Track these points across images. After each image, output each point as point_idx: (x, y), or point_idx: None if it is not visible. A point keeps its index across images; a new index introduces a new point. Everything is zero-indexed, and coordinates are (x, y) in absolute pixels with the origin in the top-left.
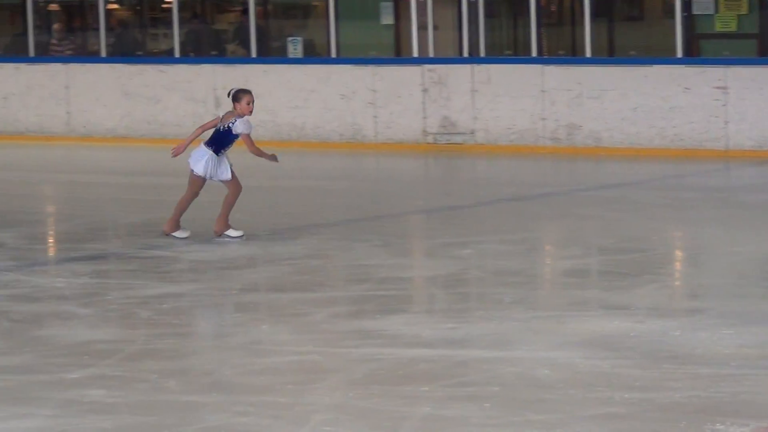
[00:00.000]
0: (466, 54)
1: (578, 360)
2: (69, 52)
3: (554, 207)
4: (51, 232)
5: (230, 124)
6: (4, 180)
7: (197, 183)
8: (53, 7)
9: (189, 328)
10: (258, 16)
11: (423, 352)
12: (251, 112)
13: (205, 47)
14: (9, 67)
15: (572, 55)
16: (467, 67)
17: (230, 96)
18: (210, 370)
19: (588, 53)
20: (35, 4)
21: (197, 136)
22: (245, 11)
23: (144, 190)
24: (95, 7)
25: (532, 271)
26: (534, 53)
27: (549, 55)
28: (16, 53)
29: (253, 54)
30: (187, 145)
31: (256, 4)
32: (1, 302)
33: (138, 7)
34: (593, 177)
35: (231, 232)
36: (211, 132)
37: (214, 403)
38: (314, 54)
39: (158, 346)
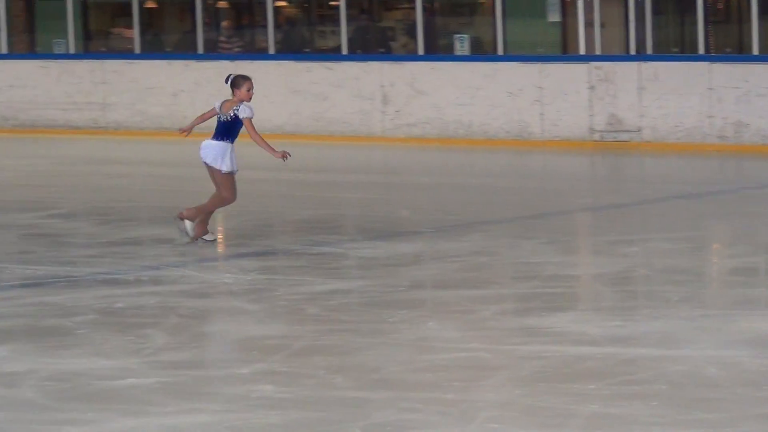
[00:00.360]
0: (633, 51)
1: (746, 359)
2: (237, 50)
3: (722, 205)
4: (219, 228)
5: (235, 111)
6: (179, 176)
7: (230, 180)
8: (222, 4)
9: (356, 324)
10: (426, 14)
11: (590, 350)
12: (251, 99)
13: (371, 44)
14: (179, 65)
15: (739, 52)
16: (634, 64)
17: (229, 82)
18: (377, 367)
19: (755, 50)
20: (204, 1)
21: (195, 126)
22: (414, 8)
23: (312, 187)
24: (263, 4)
25: (699, 270)
26: (701, 51)
27: (716, 53)
28: (185, 50)
29: (420, 51)
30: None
31: (424, 2)
32: (170, 298)
33: (306, 5)
34: (761, 175)
35: (208, 236)
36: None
37: (381, 399)
38: (481, 51)
39: (326, 342)
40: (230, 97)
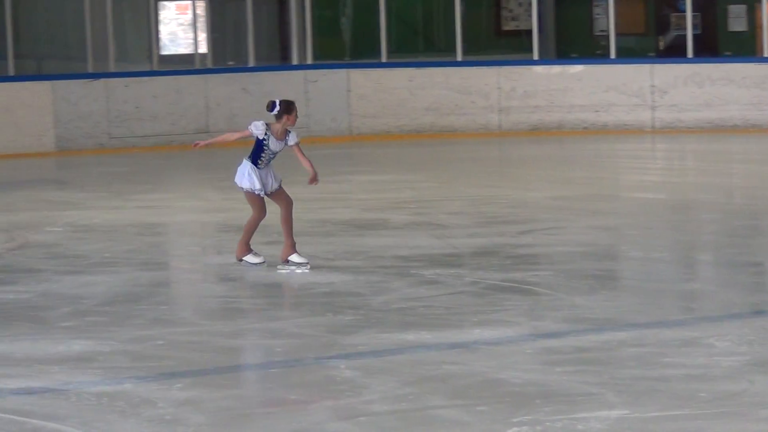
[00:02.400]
0: None
1: None
2: None
3: None
4: None
5: (288, 139)
6: None
7: (255, 200)
8: None
9: None
10: None
11: None
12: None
13: None
14: None
15: None
16: None
17: (275, 106)
18: None
19: None
20: None
21: (222, 141)
22: None
23: None
24: None
25: None
26: None
27: None
28: None
29: None
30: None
31: None
32: None
33: None
34: None
35: (251, 258)
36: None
37: None
38: None
39: None
40: (273, 121)
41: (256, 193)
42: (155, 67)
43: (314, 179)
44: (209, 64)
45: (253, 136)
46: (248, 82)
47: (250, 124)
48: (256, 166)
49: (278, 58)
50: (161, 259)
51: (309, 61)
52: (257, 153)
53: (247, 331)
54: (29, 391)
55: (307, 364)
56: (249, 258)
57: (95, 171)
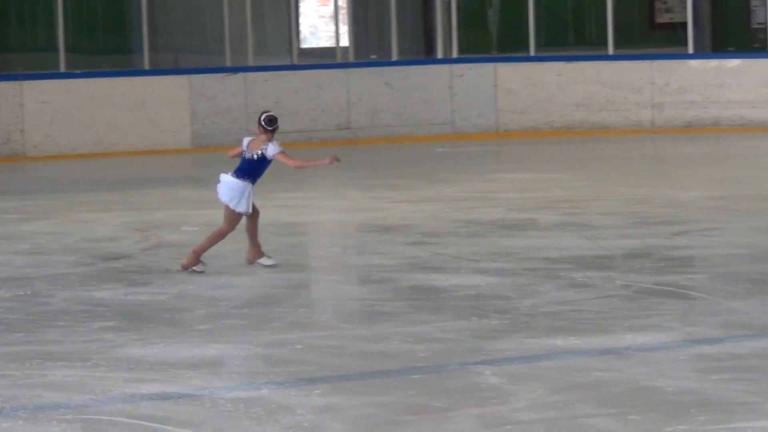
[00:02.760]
0: None
1: None
2: None
3: None
4: None
5: (263, 151)
6: None
7: (237, 219)
8: None
9: None
10: None
11: None
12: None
13: None
14: None
15: None
16: None
17: (264, 121)
18: None
19: None
20: None
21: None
22: None
23: None
24: None
25: None
26: None
27: None
28: None
29: None
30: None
31: None
32: None
33: None
34: None
35: (264, 260)
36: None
37: None
38: None
39: None
40: (258, 135)
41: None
42: (295, 61)
43: (331, 160)
44: (351, 58)
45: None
46: (391, 76)
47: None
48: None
49: (422, 51)
50: (301, 260)
51: (454, 55)
52: (260, 172)
53: (389, 335)
54: (163, 397)
55: (451, 370)
56: (197, 267)
57: (232, 168)
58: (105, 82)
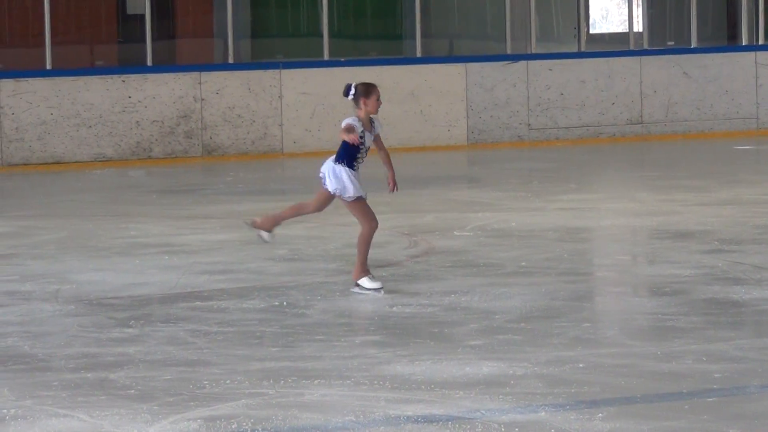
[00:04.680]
0: None
1: None
2: None
3: None
4: None
5: (375, 128)
6: None
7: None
8: None
9: None
10: None
11: None
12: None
13: None
14: None
15: None
16: None
17: (351, 92)
18: None
19: None
20: None
21: None
22: None
23: None
24: None
25: None
26: None
27: None
28: None
29: None
30: None
31: None
32: None
33: None
34: None
35: (366, 282)
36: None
37: None
38: None
39: None
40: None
41: (364, 198)
42: (583, 48)
43: (394, 184)
44: (645, 45)
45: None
46: (690, 65)
47: (346, 126)
48: (352, 169)
49: (725, 37)
50: (585, 269)
51: (760, 42)
52: (353, 153)
53: (682, 353)
54: (430, 419)
55: (749, 392)
56: (365, 282)
57: (512, 167)
58: (372, 71)
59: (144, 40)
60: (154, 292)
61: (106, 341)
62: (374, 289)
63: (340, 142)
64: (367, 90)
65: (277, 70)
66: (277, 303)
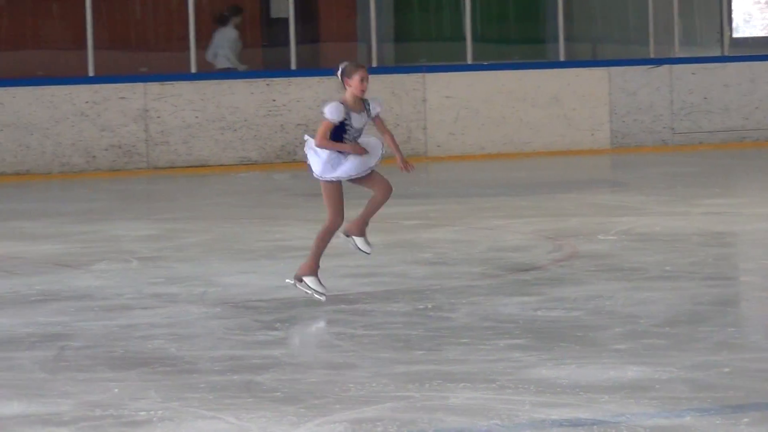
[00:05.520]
0: None
1: None
2: None
3: None
4: None
5: (368, 111)
6: None
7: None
8: None
9: None
10: None
11: None
12: (363, 91)
13: None
14: None
15: None
16: None
17: (337, 72)
18: None
19: None
20: None
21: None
22: None
23: None
24: None
25: None
26: None
27: None
28: None
29: None
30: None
31: None
32: None
33: None
34: None
35: (311, 282)
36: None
37: None
38: None
39: None
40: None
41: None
42: (726, 52)
43: (405, 164)
44: None
45: (334, 122)
46: None
47: (324, 111)
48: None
49: None
50: (729, 273)
51: None
52: (337, 134)
53: None
54: (575, 423)
55: None
56: (310, 281)
57: (655, 171)
58: (515, 75)
59: (288, 44)
60: (299, 294)
61: (252, 344)
62: (317, 292)
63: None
64: (349, 70)
65: (420, 74)
66: (422, 306)
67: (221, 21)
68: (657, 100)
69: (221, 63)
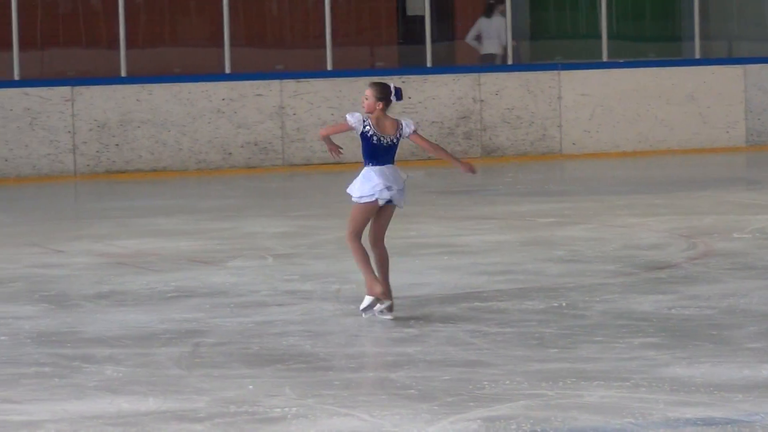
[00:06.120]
0: None
1: None
2: None
3: None
4: None
5: (399, 132)
6: None
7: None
8: None
9: None
10: None
11: None
12: (363, 108)
13: None
14: None
15: None
16: None
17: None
18: None
19: None
20: None
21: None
22: None
23: None
24: None
25: None
26: None
27: None
28: None
29: None
30: None
31: None
32: None
33: None
34: None
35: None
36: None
37: None
38: None
39: None
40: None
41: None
42: None
43: (467, 166)
44: None
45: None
46: None
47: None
48: (378, 165)
49: None
50: None
51: None
52: (369, 149)
53: None
54: (709, 422)
55: None
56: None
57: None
58: (651, 73)
59: (423, 42)
60: (433, 292)
61: (386, 341)
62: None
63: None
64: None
65: (555, 72)
66: (556, 304)
67: (488, 10)
68: None
69: (488, 49)
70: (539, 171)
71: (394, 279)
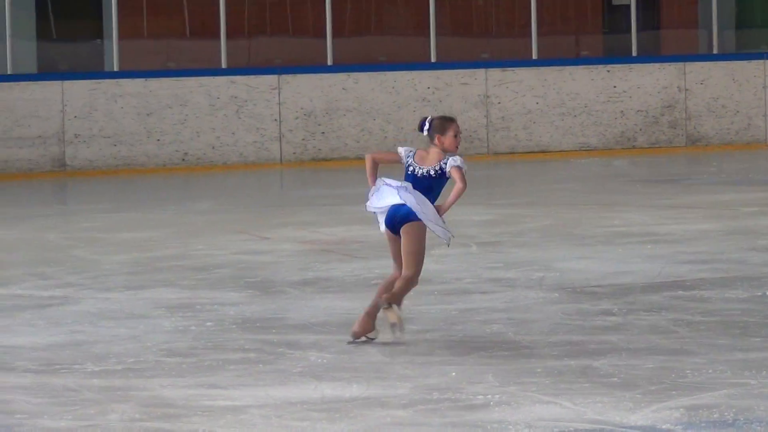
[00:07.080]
0: None
1: None
2: None
3: None
4: None
5: (442, 164)
6: None
7: None
8: None
9: None
10: None
11: None
12: (458, 147)
13: None
14: None
15: None
16: None
17: (425, 127)
18: None
19: None
20: None
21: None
22: None
23: None
24: None
25: None
26: None
27: None
28: None
29: None
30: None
31: None
32: None
33: None
34: None
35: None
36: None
37: None
38: None
39: None
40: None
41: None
42: None
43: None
44: None
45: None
46: None
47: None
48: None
49: None
50: None
51: None
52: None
53: None
54: None
55: None
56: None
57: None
58: None
59: (629, 31)
60: (636, 280)
61: (589, 329)
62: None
63: None
64: (442, 126)
65: (761, 61)
66: (759, 293)
67: None
68: None
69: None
70: (744, 160)
71: (597, 267)
